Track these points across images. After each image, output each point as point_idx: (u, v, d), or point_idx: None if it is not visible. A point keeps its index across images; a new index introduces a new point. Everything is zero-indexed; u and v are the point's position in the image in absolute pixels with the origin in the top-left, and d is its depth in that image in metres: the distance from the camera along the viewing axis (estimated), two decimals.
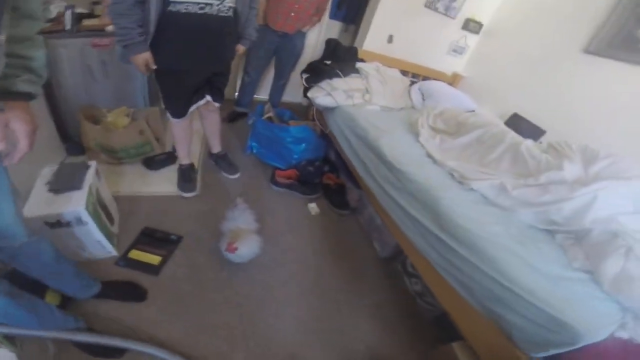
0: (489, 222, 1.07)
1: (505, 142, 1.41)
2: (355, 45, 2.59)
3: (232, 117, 2.74)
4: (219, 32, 1.36)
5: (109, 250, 1.34)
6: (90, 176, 1.29)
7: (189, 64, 1.39)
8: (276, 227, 1.71)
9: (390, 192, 1.41)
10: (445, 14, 2.47)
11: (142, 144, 1.93)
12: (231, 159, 2.06)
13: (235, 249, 1.31)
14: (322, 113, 2.21)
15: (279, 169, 2.09)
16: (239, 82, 2.78)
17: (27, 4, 0.66)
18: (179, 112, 1.59)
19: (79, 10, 1.85)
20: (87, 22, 1.86)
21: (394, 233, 1.44)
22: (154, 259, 1.39)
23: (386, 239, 1.65)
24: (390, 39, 2.53)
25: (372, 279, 1.60)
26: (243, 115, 2.78)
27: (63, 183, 1.21)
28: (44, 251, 0.93)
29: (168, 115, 1.64)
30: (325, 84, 2.02)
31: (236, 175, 2.02)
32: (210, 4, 1.26)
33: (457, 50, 2.71)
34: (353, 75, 2.08)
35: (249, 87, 2.67)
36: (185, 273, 1.36)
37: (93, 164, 1.37)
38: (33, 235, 0.86)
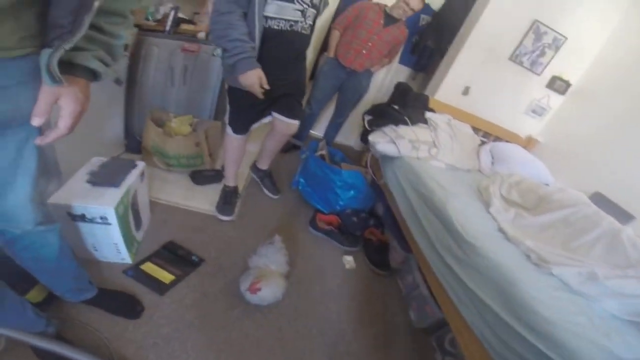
0: (572, 311, 0.93)
1: (600, 227, 1.24)
2: (426, 93, 2.41)
3: (285, 148, 2.59)
4: (301, 50, 1.39)
5: (124, 256, 1.22)
6: (132, 176, 1.23)
7: (276, 73, 1.32)
8: (305, 274, 1.49)
9: (451, 263, 1.17)
10: (529, 69, 2.22)
11: (195, 155, 1.90)
12: (275, 180, 2.01)
13: (259, 289, 1.13)
14: (379, 161, 2.04)
15: (321, 212, 1.92)
16: None
17: None
18: (242, 128, 1.54)
19: (181, 15, 1.96)
20: (184, 27, 1.95)
21: (444, 307, 1.22)
22: (167, 277, 1.23)
23: (427, 310, 1.40)
24: (466, 91, 2.30)
25: (399, 349, 1.33)
26: (296, 147, 2.72)
27: (103, 177, 1.15)
28: (47, 245, 0.81)
29: (227, 130, 1.58)
30: (389, 129, 1.86)
31: (277, 196, 1.97)
32: (297, 21, 1.26)
33: (537, 111, 2.40)
34: (421, 125, 1.90)
35: (308, 119, 2.62)
36: (194, 301, 1.18)
37: (141, 164, 1.32)
38: (42, 224, 0.75)
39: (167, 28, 1.87)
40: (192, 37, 1.91)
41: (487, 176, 1.78)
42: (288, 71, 1.42)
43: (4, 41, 0.49)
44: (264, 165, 1.98)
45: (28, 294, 0.94)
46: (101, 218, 1.08)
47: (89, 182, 1.12)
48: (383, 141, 1.85)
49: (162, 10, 1.94)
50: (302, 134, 2.66)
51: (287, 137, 1.75)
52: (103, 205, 1.06)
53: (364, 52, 2.25)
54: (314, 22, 1.37)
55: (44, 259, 0.82)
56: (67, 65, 0.54)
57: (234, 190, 1.77)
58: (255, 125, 1.57)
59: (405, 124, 1.88)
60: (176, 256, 1.34)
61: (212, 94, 2.03)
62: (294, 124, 1.64)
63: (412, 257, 1.54)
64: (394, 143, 1.79)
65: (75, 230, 1.10)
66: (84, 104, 0.61)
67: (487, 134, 2.38)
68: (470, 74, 2.23)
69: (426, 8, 2.68)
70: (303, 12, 1.26)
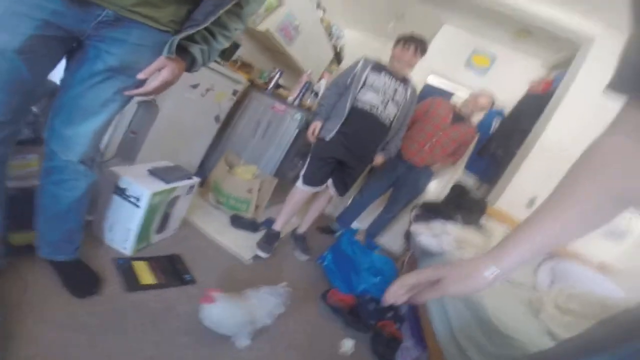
0: None
1: None
2: (487, 200, 2.17)
3: (325, 230, 2.51)
4: (374, 131, 1.68)
5: (127, 246, 1.22)
6: (183, 184, 1.34)
7: (349, 143, 1.67)
8: (289, 336, 1.20)
9: (473, 355, 0.83)
10: None
11: (243, 200, 2.01)
12: (308, 245, 2.02)
13: (211, 300, 0.94)
14: (418, 261, 1.79)
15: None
16: (349, 201, 2.64)
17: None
18: (316, 180, 1.75)
19: (281, 82, 2.39)
20: (280, 91, 2.36)
21: None
22: (147, 278, 1.15)
23: None
24: (531, 203, 2.00)
25: None
26: (334, 233, 2.53)
27: (160, 172, 1.29)
28: (73, 189, 0.87)
29: (298, 183, 1.78)
30: (436, 224, 1.68)
31: (306, 258, 1.96)
32: (376, 106, 1.64)
33: (615, 233, 1.89)
34: (473, 228, 1.67)
35: (356, 206, 2.51)
36: (151, 310, 1.03)
37: (195, 180, 1.45)
38: (83, 164, 0.84)
39: (269, 87, 2.31)
40: (283, 100, 2.25)
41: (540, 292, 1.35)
42: (358, 145, 1.69)
43: (161, 18, 0.74)
44: (302, 229, 2.04)
45: (15, 233, 0.93)
46: (135, 198, 1.16)
47: (148, 170, 1.28)
48: (426, 233, 1.67)
49: (268, 73, 2.43)
50: (346, 219, 2.54)
51: (327, 202, 1.92)
52: (145, 187, 1.15)
53: (426, 147, 2.16)
54: (393, 118, 1.70)
55: (62, 200, 0.87)
56: (180, 49, 0.75)
57: (277, 235, 1.84)
58: (321, 187, 1.78)
59: (456, 222, 1.70)
60: (173, 268, 1.28)
61: (281, 153, 2.22)
62: (335, 196, 1.87)
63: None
64: (438, 237, 1.60)
65: (109, 203, 1.20)
66: (174, 78, 0.79)
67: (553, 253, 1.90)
68: (537, 184, 1.98)
69: (501, 112, 2.63)
70: (383, 102, 1.65)
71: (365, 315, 1.44)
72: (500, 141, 2.44)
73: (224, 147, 2.27)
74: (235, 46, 2.18)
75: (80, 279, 0.97)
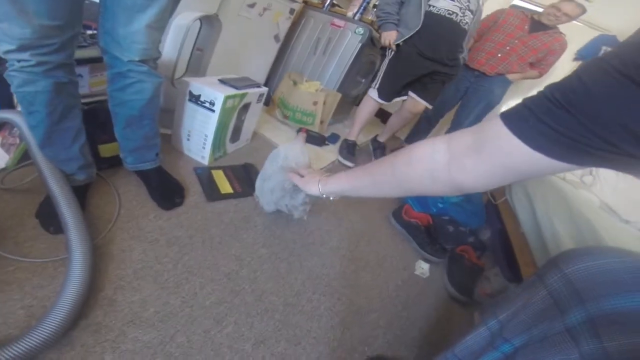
0: None
1: None
2: None
3: (395, 149, 2.42)
4: (454, 35, 1.52)
5: (204, 154, 1.20)
6: (253, 91, 1.26)
7: (427, 51, 1.52)
8: (361, 256, 1.14)
9: None
10: None
11: (309, 113, 1.86)
12: (387, 153, 2.01)
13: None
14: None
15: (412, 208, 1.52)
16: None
17: None
18: (387, 95, 1.68)
19: (334, 1, 2.07)
20: (337, 9, 2.06)
21: None
22: (226, 187, 1.14)
23: None
24: None
25: None
26: None
27: (230, 81, 1.19)
28: (141, 91, 0.80)
29: (371, 93, 1.72)
30: None
31: None
32: (456, 13, 1.46)
33: None
34: None
35: (424, 126, 2.33)
36: (231, 220, 1.02)
37: (264, 89, 1.34)
38: (145, 63, 0.77)
39: (326, 4, 2.05)
40: (341, 15, 1.98)
41: None
42: (439, 53, 1.53)
43: None
44: (382, 138, 2.05)
45: (103, 145, 0.95)
46: (210, 103, 1.09)
47: (219, 80, 1.19)
48: None
49: None
50: (414, 140, 2.31)
51: (412, 115, 1.81)
52: (217, 91, 1.07)
53: (499, 55, 1.86)
54: (469, 25, 1.52)
55: (131, 106, 0.82)
56: None
57: (354, 144, 1.87)
58: (397, 99, 1.73)
59: None
60: (248, 177, 1.25)
61: (343, 69, 1.99)
62: (421, 103, 1.71)
63: (512, 289, 0.99)
64: None
65: (185, 111, 1.15)
66: None
67: None
68: None
69: (605, 37, 2.06)
70: (461, 9, 1.47)
71: (442, 238, 1.29)
72: None
73: (285, 66, 2.14)
74: None
75: (165, 189, 0.97)
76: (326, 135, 1.97)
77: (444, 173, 0.47)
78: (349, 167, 1.74)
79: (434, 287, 1.16)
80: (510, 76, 1.90)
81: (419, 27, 1.46)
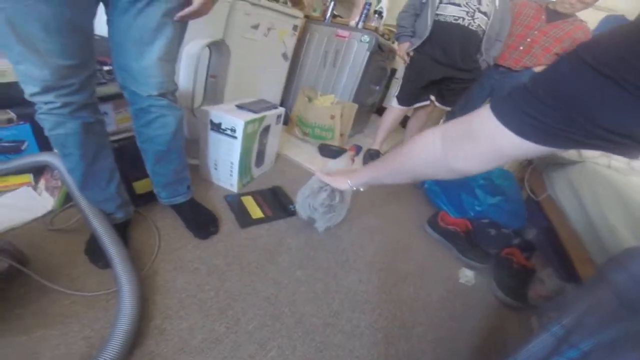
0: None
1: None
2: None
3: None
4: (464, 40, 1.58)
5: (232, 182, 1.25)
6: (271, 113, 1.30)
7: (439, 57, 1.62)
8: (400, 269, 1.12)
9: None
10: None
11: (328, 128, 1.90)
12: None
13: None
14: (542, 174, 1.42)
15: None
16: (442, 121, 2.52)
17: None
18: (407, 99, 1.79)
19: (335, 13, 2.17)
20: (338, 20, 2.15)
21: None
22: (257, 212, 1.18)
23: None
24: None
25: None
26: None
27: (247, 105, 1.25)
28: (164, 125, 0.83)
29: (392, 102, 1.85)
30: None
31: None
32: (462, 18, 1.54)
33: None
34: None
35: None
36: (266, 245, 1.05)
37: (281, 109, 1.38)
38: (164, 97, 0.80)
39: (327, 17, 2.13)
40: (344, 25, 2.06)
41: None
42: (451, 58, 1.61)
43: None
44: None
45: (137, 182, 1.00)
46: (231, 130, 1.15)
47: (236, 105, 1.25)
48: None
49: (316, 5, 2.25)
50: None
51: (425, 116, 1.90)
52: (237, 118, 1.13)
53: (520, 48, 1.84)
54: (485, 27, 1.58)
55: (158, 141, 0.86)
56: None
57: (377, 153, 1.96)
58: (416, 104, 1.82)
59: None
60: (276, 199, 1.29)
61: (355, 79, 2.04)
62: (439, 107, 1.81)
63: (570, 289, 0.92)
64: None
65: (208, 141, 1.21)
66: None
67: None
68: None
69: (613, 17, 2.10)
70: (468, 13, 1.53)
71: (484, 243, 1.24)
72: None
73: (298, 83, 2.23)
74: None
75: (200, 220, 1.02)
76: (348, 146, 2.01)
77: (442, 161, 0.53)
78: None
79: (481, 295, 1.11)
80: (537, 69, 1.84)
81: (427, 35, 1.59)
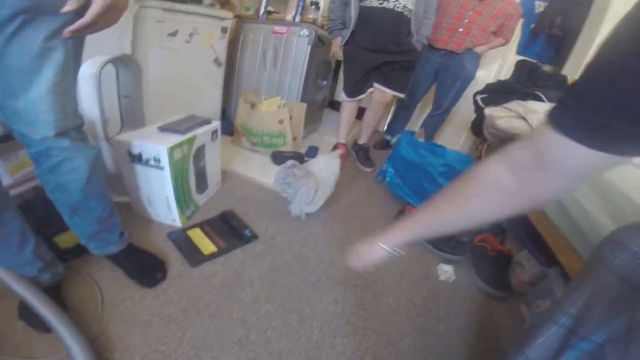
0: None
1: None
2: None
3: (381, 145, 2.49)
4: (391, 22, 1.60)
5: (174, 217, 1.13)
6: (202, 130, 1.19)
7: (369, 44, 1.67)
8: (376, 279, 1.10)
9: None
10: None
11: (278, 134, 1.83)
12: (370, 154, 2.08)
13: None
14: (499, 147, 1.50)
15: (413, 206, 1.50)
16: (392, 109, 2.64)
17: None
18: (351, 91, 1.85)
19: (270, 9, 2.12)
20: (274, 16, 2.12)
21: None
22: (208, 247, 1.08)
23: None
24: None
25: None
26: (390, 144, 2.48)
27: (171, 126, 1.13)
28: (73, 170, 0.71)
29: (342, 96, 1.92)
30: (514, 105, 1.36)
31: (370, 169, 2.01)
32: (387, 0, 1.56)
33: None
34: None
35: (401, 113, 2.43)
36: (224, 282, 0.96)
37: (216, 123, 1.27)
38: (65, 136, 0.67)
39: (260, 14, 2.07)
40: (281, 21, 2.02)
41: None
42: (382, 43, 1.65)
43: None
44: (362, 140, 2.08)
45: (58, 236, 0.90)
46: (155, 160, 1.02)
47: (158, 128, 1.12)
48: (506, 116, 1.36)
49: (251, 4, 2.18)
50: (395, 129, 2.48)
51: (381, 106, 1.90)
52: (158, 145, 1.00)
53: (460, 30, 1.93)
54: (412, 6, 1.59)
55: (69, 189, 0.73)
56: None
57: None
58: (361, 96, 1.88)
59: (540, 100, 1.37)
60: (229, 227, 1.20)
61: (299, 76, 1.99)
62: (386, 92, 1.81)
63: (553, 274, 0.96)
64: (524, 119, 1.29)
65: (133, 175, 1.08)
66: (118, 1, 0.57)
67: None
68: None
69: None
70: None
71: (456, 233, 1.27)
72: (554, 16, 2.26)
73: (238, 89, 2.13)
74: None
75: (143, 267, 0.91)
76: (303, 151, 1.96)
77: (518, 198, 0.46)
78: (368, 173, 1.97)
79: (464, 289, 1.13)
80: (478, 49, 1.98)
81: (354, 23, 1.63)
